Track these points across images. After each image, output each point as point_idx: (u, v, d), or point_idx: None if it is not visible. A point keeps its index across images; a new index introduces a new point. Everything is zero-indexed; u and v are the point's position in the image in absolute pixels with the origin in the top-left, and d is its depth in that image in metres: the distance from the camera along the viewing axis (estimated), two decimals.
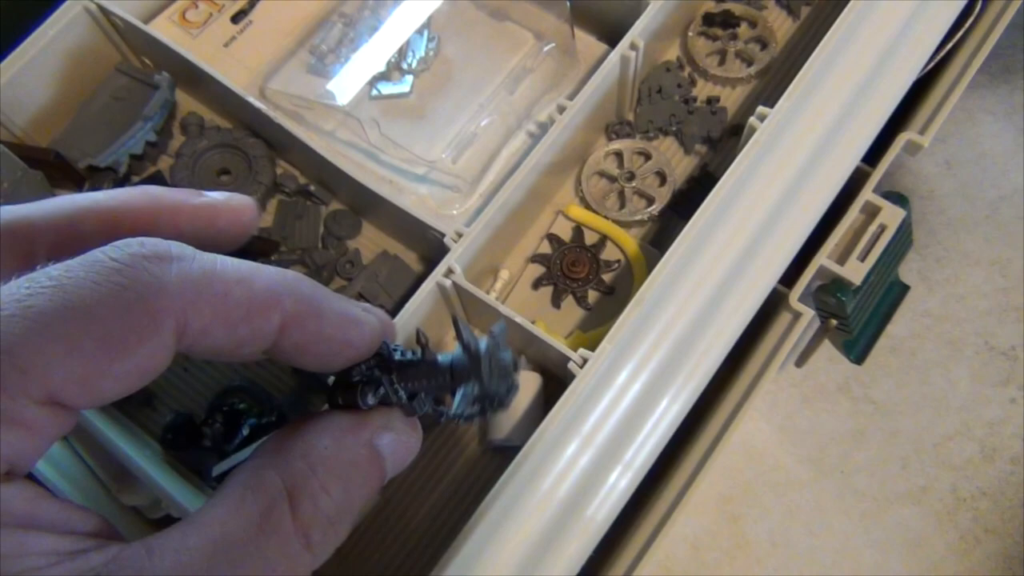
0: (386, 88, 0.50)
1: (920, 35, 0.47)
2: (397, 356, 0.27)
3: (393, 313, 0.40)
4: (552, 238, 0.48)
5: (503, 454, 0.44)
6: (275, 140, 0.49)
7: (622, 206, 0.48)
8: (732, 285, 0.41)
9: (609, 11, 0.49)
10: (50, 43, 0.49)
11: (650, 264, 0.45)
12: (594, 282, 0.46)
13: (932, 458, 0.70)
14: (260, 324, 0.22)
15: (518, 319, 0.40)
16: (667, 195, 0.48)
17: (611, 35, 0.51)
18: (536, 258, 0.47)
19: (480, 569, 0.34)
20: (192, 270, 0.20)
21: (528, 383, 0.43)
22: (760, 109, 0.42)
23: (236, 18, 0.53)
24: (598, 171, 0.49)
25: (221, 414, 0.43)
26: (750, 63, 0.51)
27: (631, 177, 0.48)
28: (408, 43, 0.50)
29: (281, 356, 0.23)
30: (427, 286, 0.40)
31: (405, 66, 0.50)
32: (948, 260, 0.75)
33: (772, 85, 0.51)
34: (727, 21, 0.51)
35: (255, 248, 0.48)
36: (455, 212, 0.48)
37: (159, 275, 0.20)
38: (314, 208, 0.49)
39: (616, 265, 0.47)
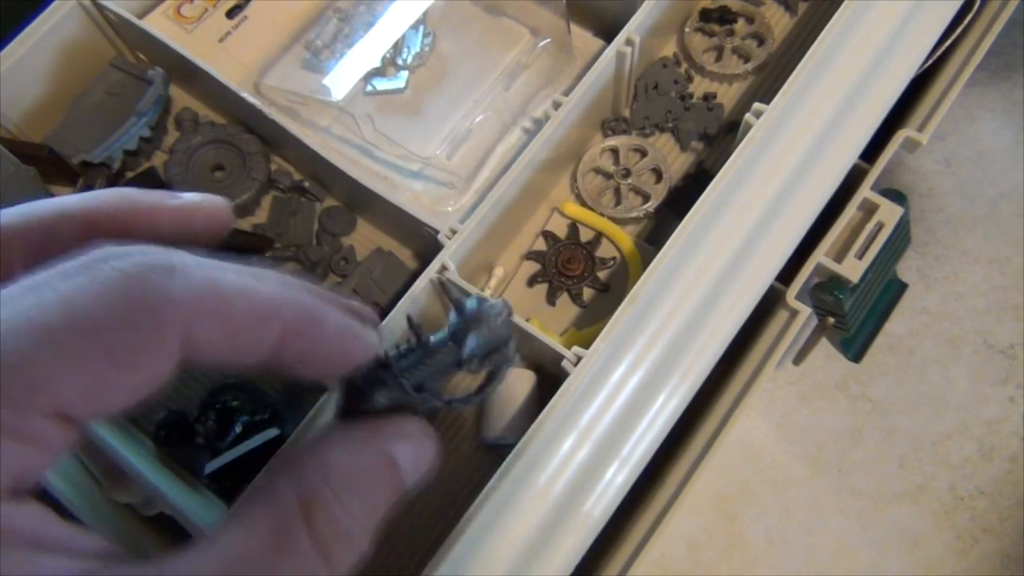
0: (381, 84, 0.49)
1: (918, 31, 0.47)
2: (393, 352, 0.27)
3: (387, 310, 0.40)
4: (547, 235, 0.47)
5: (497, 453, 0.43)
6: (269, 136, 0.49)
7: (618, 203, 0.48)
8: (728, 283, 0.41)
9: (605, 6, 0.49)
10: (44, 38, 0.48)
11: (645, 261, 0.45)
12: (589, 279, 0.46)
13: (930, 457, 0.69)
14: (261, 334, 0.22)
15: (512, 316, 0.39)
16: (663, 192, 0.48)
17: (607, 31, 0.51)
18: (531, 255, 0.47)
19: (474, 568, 0.34)
20: (196, 280, 0.20)
21: (522, 381, 0.43)
22: (756, 106, 0.42)
23: (231, 13, 0.53)
24: (594, 168, 0.49)
25: (214, 411, 0.43)
26: (747, 59, 0.50)
27: (627, 174, 0.48)
28: (403, 39, 0.50)
29: (280, 368, 0.23)
30: (421, 283, 0.40)
31: (400, 62, 0.50)
32: (947, 258, 0.75)
33: (769, 81, 0.51)
34: (724, 17, 0.51)
35: (248, 245, 0.47)
36: (450, 209, 0.47)
37: (164, 285, 0.20)
38: (308, 204, 0.49)
39: (611, 262, 0.47)
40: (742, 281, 0.41)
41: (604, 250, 0.47)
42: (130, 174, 0.50)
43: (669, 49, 0.52)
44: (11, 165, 0.45)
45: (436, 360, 0.27)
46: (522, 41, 0.50)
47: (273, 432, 0.41)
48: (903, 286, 0.69)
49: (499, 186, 0.42)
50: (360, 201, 0.48)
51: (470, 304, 0.28)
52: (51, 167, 0.48)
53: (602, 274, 0.46)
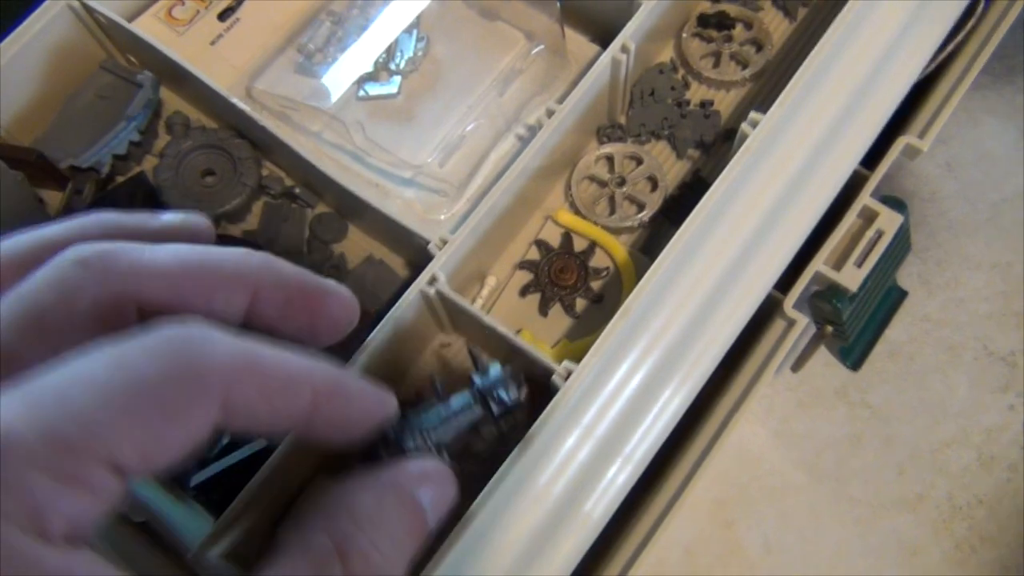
0: (373, 89, 0.49)
1: (920, 36, 0.46)
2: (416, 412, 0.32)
3: (378, 319, 0.39)
4: (540, 244, 0.47)
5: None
6: (260, 141, 0.48)
7: (612, 212, 0.47)
8: (723, 294, 0.40)
9: (601, 11, 0.48)
10: (33, 40, 0.48)
11: (639, 272, 0.44)
12: (582, 290, 0.45)
13: (929, 465, 0.69)
14: (294, 398, 0.23)
15: (501, 330, 0.39)
16: (658, 201, 0.47)
17: (603, 36, 0.50)
18: (524, 264, 0.46)
19: (473, 568, 0.34)
20: (234, 345, 0.22)
21: None
22: (752, 115, 0.41)
23: (223, 15, 0.52)
24: (588, 175, 0.48)
25: None
26: (745, 66, 0.50)
27: (622, 182, 0.47)
28: (396, 43, 0.49)
29: (310, 434, 0.25)
30: (410, 295, 0.39)
31: (393, 67, 0.49)
32: (948, 263, 0.74)
33: (767, 89, 0.50)
34: (722, 22, 0.50)
35: None
36: (442, 217, 0.47)
37: (207, 348, 0.21)
38: (299, 211, 0.48)
39: (605, 272, 0.46)
40: (738, 292, 0.41)
41: (598, 260, 0.46)
42: (120, 178, 0.50)
43: (666, 54, 0.51)
44: None
45: (457, 420, 0.32)
46: (517, 46, 0.49)
47: (260, 444, 0.41)
48: (903, 294, 0.69)
49: (491, 195, 0.41)
50: (351, 208, 0.47)
51: (493, 371, 0.34)
52: (40, 171, 0.48)
53: (595, 284, 0.46)
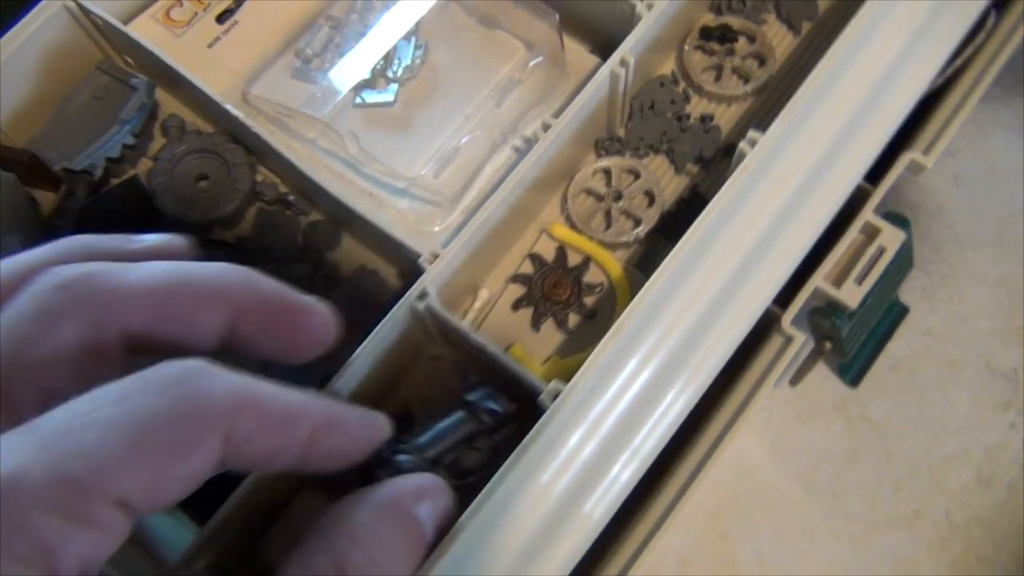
0: (370, 96, 0.48)
1: (927, 53, 0.45)
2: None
3: (370, 330, 0.39)
4: (535, 258, 0.46)
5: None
6: (255, 147, 0.48)
7: (608, 226, 0.46)
8: (718, 314, 0.39)
9: (602, 22, 0.48)
10: (28, 41, 0.47)
11: (633, 289, 0.44)
12: (575, 306, 0.45)
13: (927, 482, 0.68)
14: (293, 435, 0.24)
15: (490, 348, 0.38)
16: (655, 217, 0.46)
17: (604, 46, 0.49)
18: (517, 278, 0.46)
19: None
20: (234, 382, 0.23)
21: None
22: (751, 134, 0.41)
23: (221, 18, 0.51)
24: (585, 189, 0.47)
25: None
26: (747, 80, 0.49)
27: (619, 196, 0.47)
28: (395, 50, 0.49)
29: (308, 465, 0.25)
30: (399, 309, 0.39)
31: (391, 74, 0.48)
32: (953, 278, 0.73)
33: (769, 104, 0.49)
34: (725, 35, 0.49)
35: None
36: (436, 228, 0.46)
37: (210, 388, 0.22)
38: (293, 218, 0.48)
39: (599, 288, 0.46)
40: (733, 313, 0.40)
41: (592, 275, 0.46)
42: (115, 181, 0.49)
43: (668, 66, 0.51)
44: None
45: (450, 435, 0.34)
46: (517, 55, 0.49)
47: None
48: (904, 310, 0.68)
49: (486, 207, 0.41)
50: (344, 217, 0.47)
51: (480, 387, 0.37)
52: (34, 173, 0.48)
53: (589, 300, 0.45)
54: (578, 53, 0.49)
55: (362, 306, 0.46)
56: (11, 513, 0.18)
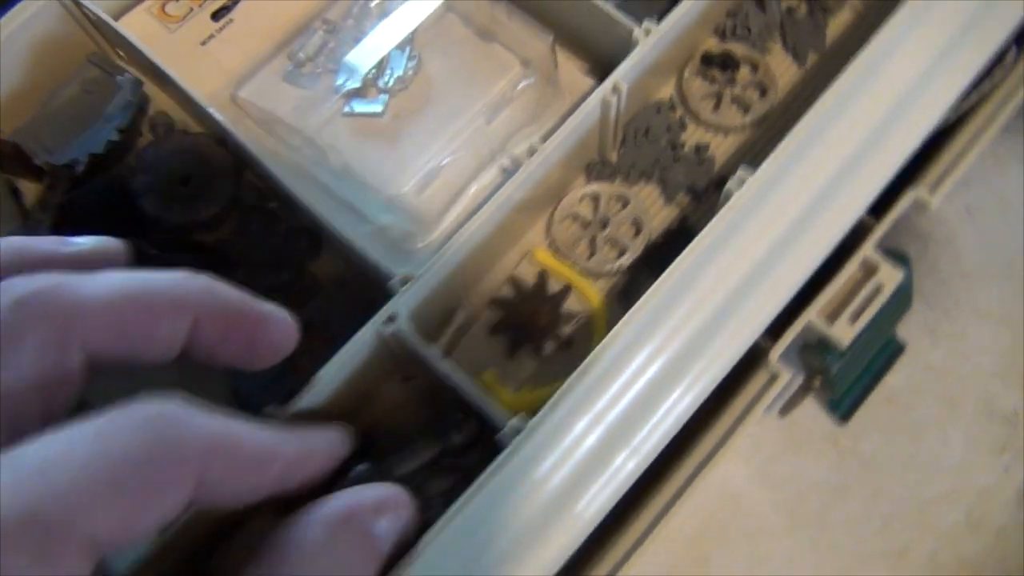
0: (360, 106, 0.47)
1: (941, 88, 0.43)
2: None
3: (335, 350, 0.38)
4: (515, 282, 0.45)
5: None
6: (238, 152, 0.47)
7: (592, 254, 0.45)
8: (698, 352, 0.38)
9: (601, 44, 0.46)
10: (18, 30, 0.47)
11: (611, 322, 0.43)
12: (553, 335, 0.44)
13: (915, 520, 0.67)
14: (265, 474, 0.24)
15: (455, 377, 0.38)
16: (640, 247, 0.45)
17: (602, 67, 0.48)
18: (496, 302, 0.45)
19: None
20: (208, 422, 0.23)
21: None
22: (740, 172, 0.39)
23: (217, 15, 0.51)
24: (571, 214, 0.46)
25: None
26: (747, 110, 0.47)
27: (605, 224, 0.46)
28: (387, 59, 0.48)
29: (275, 497, 0.26)
30: (364, 334, 0.38)
31: (382, 84, 0.47)
32: (957, 314, 0.71)
33: (767, 137, 0.48)
34: (726, 63, 0.48)
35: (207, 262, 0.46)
36: (419, 245, 0.45)
37: (186, 430, 0.22)
38: (274, 225, 0.47)
39: (578, 318, 0.44)
40: (713, 352, 0.39)
41: (572, 303, 0.45)
42: (99, 177, 0.49)
43: (668, 90, 0.49)
44: None
45: (415, 458, 0.35)
46: (512, 71, 0.47)
47: None
48: (900, 348, 0.66)
49: (467, 228, 0.40)
50: (323, 229, 0.46)
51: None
52: (17, 164, 0.47)
53: (567, 328, 0.44)
54: (573, 74, 0.48)
55: (341, 316, 0.45)
56: None
